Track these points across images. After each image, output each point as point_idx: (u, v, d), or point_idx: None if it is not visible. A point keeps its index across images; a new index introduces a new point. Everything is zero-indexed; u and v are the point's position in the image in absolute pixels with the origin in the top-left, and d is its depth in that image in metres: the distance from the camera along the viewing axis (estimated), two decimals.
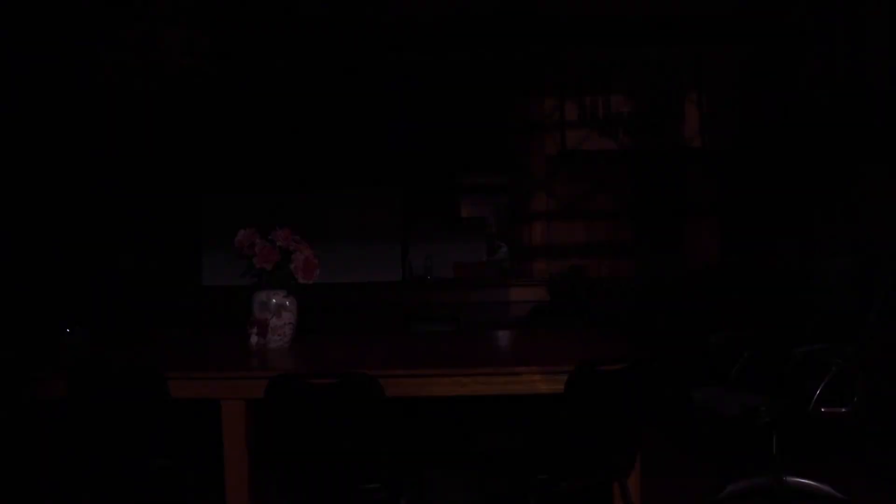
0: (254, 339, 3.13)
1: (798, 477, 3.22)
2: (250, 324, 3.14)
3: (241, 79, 5.93)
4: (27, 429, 3.03)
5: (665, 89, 5.82)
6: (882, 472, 3.61)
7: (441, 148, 6.53)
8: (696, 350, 4.40)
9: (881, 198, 4.20)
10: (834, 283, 3.54)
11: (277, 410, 2.41)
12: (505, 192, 6.63)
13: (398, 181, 6.46)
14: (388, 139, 6.39)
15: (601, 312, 4.75)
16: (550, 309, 5.15)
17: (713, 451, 4.15)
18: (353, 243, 6.11)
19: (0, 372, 2.81)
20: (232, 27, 5.33)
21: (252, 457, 2.67)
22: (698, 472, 3.74)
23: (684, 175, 5.75)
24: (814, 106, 4.88)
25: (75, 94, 5.11)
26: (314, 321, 3.51)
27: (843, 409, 3.02)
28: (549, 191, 5.85)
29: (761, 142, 5.50)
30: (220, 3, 5.07)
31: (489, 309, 5.40)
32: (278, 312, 3.11)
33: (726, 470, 3.48)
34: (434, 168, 6.68)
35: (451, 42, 5.78)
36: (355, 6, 5.32)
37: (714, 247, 5.71)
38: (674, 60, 5.79)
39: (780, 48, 5.30)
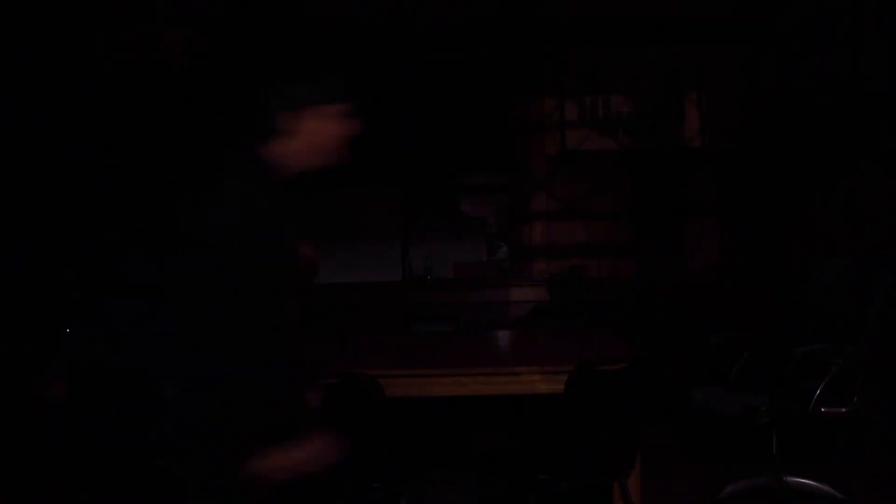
0: None
1: (798, 477, 3.22)
2: None
3: (241, 79, 5.92)
4: (27, 429, 3.03)
5: (665, 89, 5.81)
6: (882, 472, 3.61)
7: (441, 148, 6.53)
8: (696, 350, 4.41)
9: (881, 198, 4.20)
10: (834, 283, 3.54)
11: None
12: (505, 192, 6.62)
13: (398, 181, 6.46)
14: (388, 139, 6.38)
15: (601, 312, 4.74)
16: (550, 309, 5.14)
17: (713, 451, 4.15)
18: (353, 243, 6.11)
19: (0, 372, 2.81)
20: (232, 27, 5.33)
21: None
22: (698, 472, 3.74)
23: (684, 175, 5.75)
24: (814, 105, 4.88)
25: (75, 94, 5.11)
26: (314, 321, 3.50)
27: (843, 409, 3.02)
28: (549, 191, 5.85)
29: (761, 142, 5.50)
30: (220, 3, 5.07)
31: (489, 309, 5.40)
32: None
33: (726, 470, 3.48)
34: (434, 168, 6.68)
35: (451, 42, 5.78)
36: (355, 6, 5.33)
37: (714, 247, 5.71)
38: (674, 60, 5.78)
39: (780, 48, 5.30)
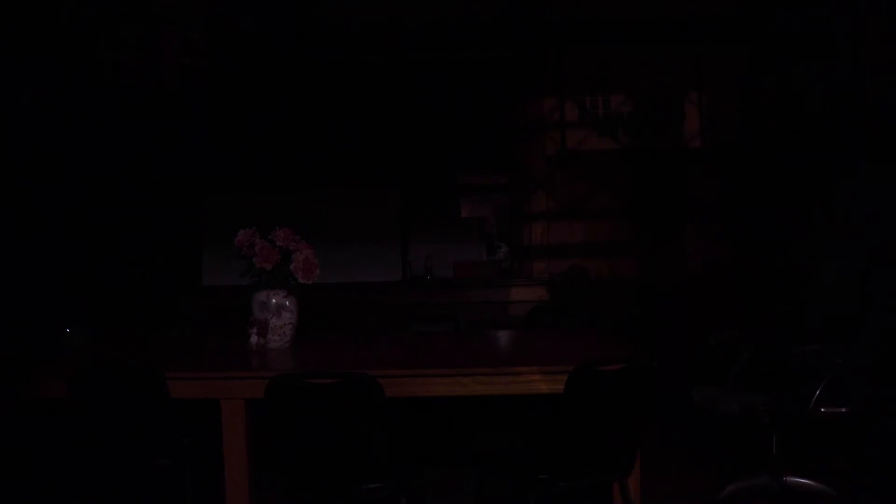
0: (254, 339, 3.13)
1: (798, 477, 3.22)
2: (250, 324, 3.14)
3: (241, 79, 5.93)
4: (27, 429, 3.03)
5: (665, 89, 5.81)
6: (882, 472, 3.61)
7: (441, 148, 6.53)
8: (696, 350, 4.41)
9: (881, 198, 4.20)
10: (834, 283, 3.54)
11: (277, 410, 2.42)
12: (505, 192, 6.62)
13: (398, 181, 6.46)
14: (388, 139, 6.39)
15: (601, 312, 4.74)
16: (550, 309, 5.15)
17: (713, 451, 4.15)
18: (353, 243, 6.11)
19: (0, 372, 2.81)
20: (232, 27, 5.33)
21: (252, 457, 2.67)
22: (698, 472, 3.74)
23: (684, 175, 5.76)
24: (814, 105, 4.88)
25: (75, 94, 5.11)
26: (314, 321, 3.51)
27: (843, 409, 3.02)
28: (549, 191, 5.85)
29: (761, 142, 5.50)
30: (220, 3, 5.07)
31: (489, 309, 5.40)
32: (278, 312, 3.11)
33: (726, 470, 3.48)
34: (434, 168, 6.68)
35: (451, 42, 5.78)
36: (355, 6, 5.32)
37: (714, 247, 5.71)
38: (674, 60, 5.79)
39: (781, 48, 5.30)
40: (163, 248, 5.87)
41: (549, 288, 5.53)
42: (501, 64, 5.92)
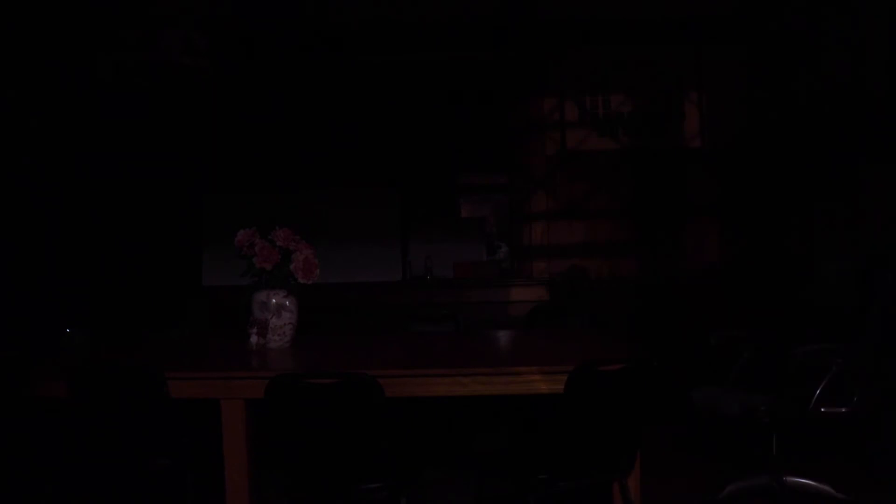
0: (254, 339, 3.13)
1: (798, 477, 3.22)
2: (250, 324, 3.14)
3: (241, 79, 5.93)
4: (27, 429, 3.03)
5: (665, 89, 5.81)
6: (882, 472, 3.61)
7: (441, 147, 6.53)
8: (696, 350, 4.40)
9: (882, 198, 4.20)
10: (834, 282, 3.53)
11: (277, 410, 2.42)
12: (505, 192, 6.62)
13: (398, 181, 6.46)
14: (388, 139, 6.39)
15: (601, 312, 4.74)
16: (550, 309, 5.14)
17: (713, 451, 4.15)
18: (353, 243, 6.11)
19: (0, 372, 2.81)
20: (232, 27, 5.33)
21: (252, 457, 2.67)
22: (698, 472, 3.74)
23: (684, 175, 5.76)
24: (814, 105, 4.88)
25: (75, 94, 5.11)
26: (314, 321, 3.51)
27: (843, 409, 3.02)
28: (549, 191, 5.85)
29: (761, 142, 5.50)
30: (220, 3, 5.07)
31: (489, 309, 5.40)
32: (278, 312, 3.11)
33: (726, 470, 3.48)
34: (434, 168, 6.68)
35: (451, 42, 5.78)
36: (356, 6, 5.33)
37: (714, 247, 5.72)
38: (674, 60, 5.79)
39: (781, 48, 5.30)
40: (163, 248, 5.87)
41: (549, 288, 5.53)
42: (501, 64, 5.92)
